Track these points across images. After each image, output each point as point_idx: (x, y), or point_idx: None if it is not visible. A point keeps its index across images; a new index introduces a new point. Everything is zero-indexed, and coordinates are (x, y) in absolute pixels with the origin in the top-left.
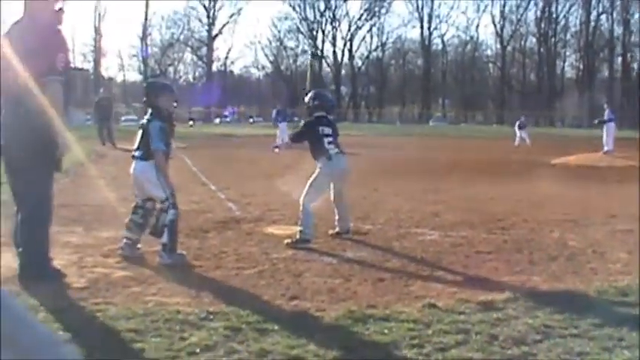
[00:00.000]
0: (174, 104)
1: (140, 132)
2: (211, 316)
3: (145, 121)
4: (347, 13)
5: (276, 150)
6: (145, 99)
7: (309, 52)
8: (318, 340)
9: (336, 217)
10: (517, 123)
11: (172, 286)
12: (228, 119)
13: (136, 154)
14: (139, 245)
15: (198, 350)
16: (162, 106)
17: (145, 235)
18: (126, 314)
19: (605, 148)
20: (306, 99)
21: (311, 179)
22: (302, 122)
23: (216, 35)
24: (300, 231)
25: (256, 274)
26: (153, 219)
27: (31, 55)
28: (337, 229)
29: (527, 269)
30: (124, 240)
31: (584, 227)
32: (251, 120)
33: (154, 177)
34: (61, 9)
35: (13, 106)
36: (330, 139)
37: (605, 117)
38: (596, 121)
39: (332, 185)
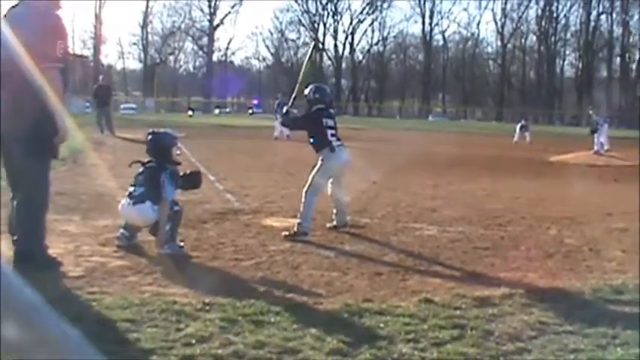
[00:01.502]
0: (178, 152)
1: (144, 171)
2: (207, 307)
3: (150, 166)
4: (349, 7)
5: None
6: (152, 151)
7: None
8: (315, 332)
9: (334, 211)
10: (519, 124)
11: (169, 277)
12: (258, 110)
13: (135, 193)
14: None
15: (193, 341)
16: (170, 156)
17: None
18: (122, 304)
19: (595, 148)
20: (306, 92)
21: (313, 172)
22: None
23: (218, 25)
24: (299, 223)
25: (253, 266)
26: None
27: (29, 41)
28: (335, 223)
29: (523, 266)
30: (121, 230)
31: (581, 225)
32: (250, 111)
33: (153, 217)
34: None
35: (11, 92)
36: (333, 131)
37: (598, 123)
38: (590, 132)
39: (331, 179)
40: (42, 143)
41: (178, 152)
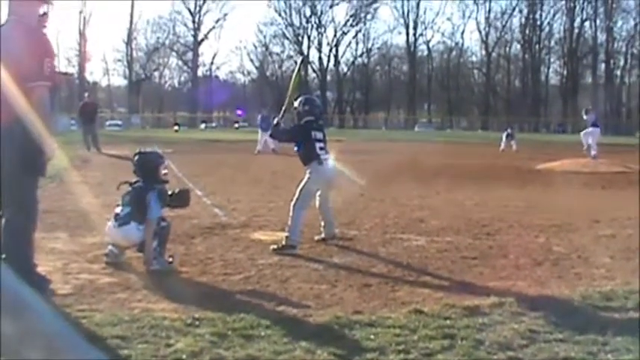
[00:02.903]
0: (165, 171)
1: (131, 192)
2: (197, 322)
3: (138, 186)
4: (333, 19)
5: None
6: (140, 171)
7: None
8: (305, 345)
9: (322, 223)
10: (505, 133)
11: (158, 293)
12: (244, 123)
13: (121, 214)
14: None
15: (184, 356)
16: (158, 176)
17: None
18: (111, 321)
19: (593, 153)
20: (296, 104)
21: (300, 185)
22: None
23: (202, 40)
24: (287, 237)
25: (242, 280)
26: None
27: (16, 59)
28: (323, 235)
29: (512, 274)
30: (110, 247)
31: (569, 232)
32: (236, 125)
33: (138, 235)
34: (45, 13)
35: None
36: (322, 144)
37: (590, 123)
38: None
39: (318, 191)
40: (30, 161)
41: (165, 171)
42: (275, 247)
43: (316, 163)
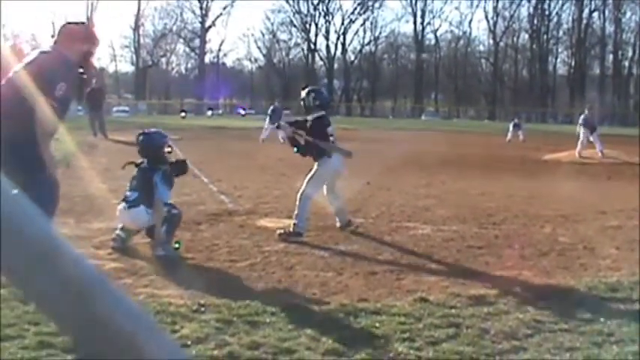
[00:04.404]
0: (169, 150)
1: (137, 174)
2: (203, 309)
3: (143, 167)
4: (340, 7)
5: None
6: (144, 151)
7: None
8: (310, 333)
9: (334, 213)
10: (512, 123)
11: (164, 279)
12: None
13: (130, 197)
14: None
15: (189, 342)
16: (162, 156)
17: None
18: None
19: (598, 148)
20: (303, 95)
21: (309, 175)
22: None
23: (209, 27)
24: (294, 224)
25: (248, 267)
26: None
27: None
28: (338, 224)
29: (518, 264)
30: (117, 232)
31: (575, 223)
32: (242, 112)
33: (148, 220)
34: (90, 51)
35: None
36: (332, 138)
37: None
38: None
39: (330, 182)
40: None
41: (169, 150)
42: (281, 231)
43: (327, 156)
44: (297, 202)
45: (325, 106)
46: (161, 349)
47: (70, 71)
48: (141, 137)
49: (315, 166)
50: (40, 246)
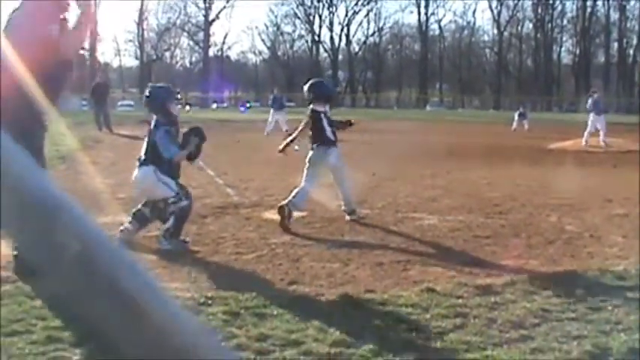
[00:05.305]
0: (179, 106)
1: (146, 135)
2: (210, 301)
3: (152, 125)
4: None
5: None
6: (149, 105)
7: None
8: (317, 324)
9: (341, 198)
10: (517, 112)
11: (171, 271)
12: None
13: (141, 158)
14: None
15: None
16: (169, 112)
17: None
18: None
19: (601, 136)
20: (305, 89)
21: (307, 164)
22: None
23: (213, 20)
24: (290, 201)
25: (255, 259)
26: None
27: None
28: (343, 207)
29: (524, 253)
30: (124, 225)
31: (581, 211)
32: (247, 104)
33: (155, 180)
34: (64, 18)
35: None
36: (333, 128)
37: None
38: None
39: (332, 173)
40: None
41: (179, 106)
42: (283, 204)
43: (321, 145)
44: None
45: (328, 98)
46: (164, 309)
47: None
48: (147, 90)
49: (309, 152)
50: (39, 201)
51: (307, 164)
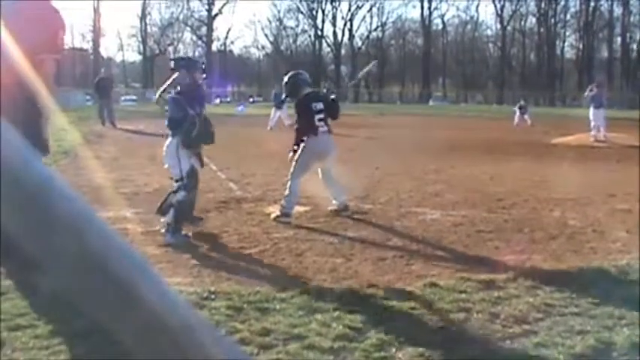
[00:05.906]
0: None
1: None
2: (213, 296)
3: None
4: None
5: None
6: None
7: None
8: (320, 318)
9: (331, 196)
10: (517, 105)
11: (174, 266)
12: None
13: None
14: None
15: None
16: (192, 81)
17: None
18: None
19: (602, 132)
20: (285, 80)
21: (296, 156)
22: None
23: (216, 15)
24: (282, 205)
25: (258, 254)
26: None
27: (28, 31)
28: (335, 207)
29: (527, 248)
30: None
31: (584, 206)
32: (251, 100)
33: (173, 154)
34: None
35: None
36: (322, 115)
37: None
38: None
39: (319, 165)
40: (31, 140)
41: (204, 76)
42: (276, 214)
43: (312, 135)
44: (288, 184)
45: (307, 82)
46: (154, 288)
47: (57, 13)
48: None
49: (302, 145)
50: (32, 182)
51: (298, 158)
